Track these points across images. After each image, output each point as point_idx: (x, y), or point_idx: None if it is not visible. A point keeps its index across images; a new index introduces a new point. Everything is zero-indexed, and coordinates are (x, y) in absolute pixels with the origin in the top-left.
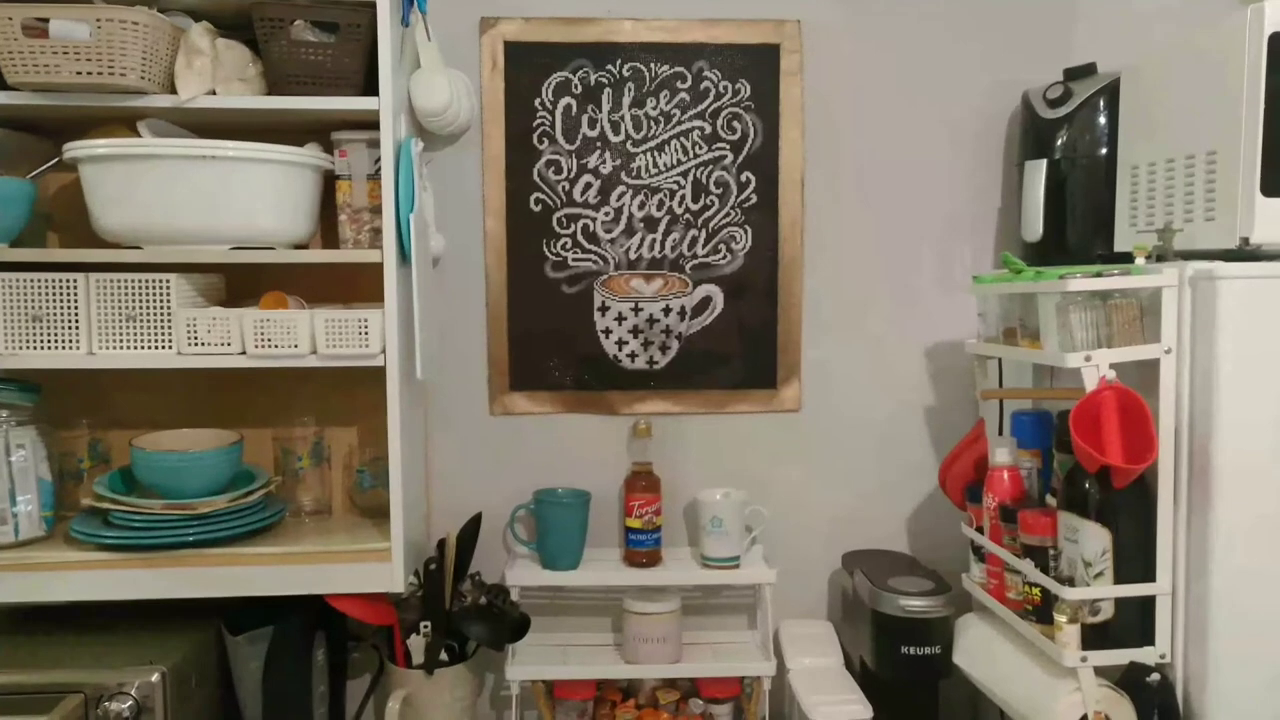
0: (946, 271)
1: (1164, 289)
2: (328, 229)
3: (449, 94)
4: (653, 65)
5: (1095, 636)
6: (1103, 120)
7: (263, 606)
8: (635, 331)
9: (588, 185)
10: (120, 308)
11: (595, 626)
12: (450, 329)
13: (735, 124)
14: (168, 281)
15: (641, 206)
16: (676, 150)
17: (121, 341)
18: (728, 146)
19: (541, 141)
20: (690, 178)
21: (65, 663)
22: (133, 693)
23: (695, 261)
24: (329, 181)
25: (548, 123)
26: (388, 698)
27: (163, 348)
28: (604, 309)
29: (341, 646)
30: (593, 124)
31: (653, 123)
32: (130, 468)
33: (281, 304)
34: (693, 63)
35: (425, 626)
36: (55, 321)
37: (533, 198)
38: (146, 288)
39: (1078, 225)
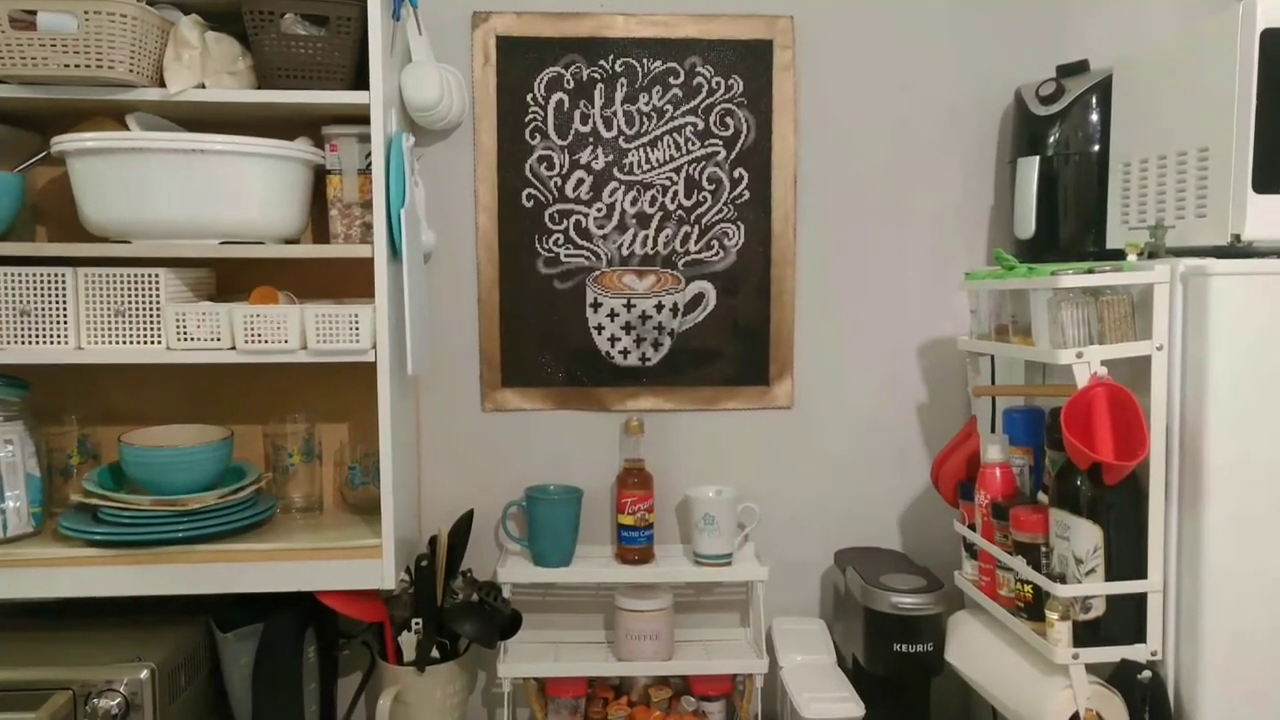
0: (939, 268)
1: (1156, 286)
2: (318, 224)
3: (440, 88)
4: (645, 61)
5: (1087, 634)
6: (1095, 117)
7: (253, 603)
8: (627, 328)
9: (580, 181)
10: (109, 302)
11: (587, 624)
12: (442, 325)
13: (728, 120)
14: (157, 276)
15: (634, 202)
16: (669, 146)
17: (110, 336)
18: (720, 142)
19: (534, 137)
20: (683, 174)
21: (53, 659)
22: (121, 690)
23: (688, 258)
24: (320, 176)
25: (540, 118)
26: (379, 695)
27: (152, 343)
28: (596, 305)
29: (332, 643)
30: (585, 119)
31: (645, 118)
32: (119, 464)
33: (272, 299)
34: (685, 58)
35: (417, 624)
36: (43, 316)
37: (525, 193)
38: (135, 282)
39: (1070, 222)
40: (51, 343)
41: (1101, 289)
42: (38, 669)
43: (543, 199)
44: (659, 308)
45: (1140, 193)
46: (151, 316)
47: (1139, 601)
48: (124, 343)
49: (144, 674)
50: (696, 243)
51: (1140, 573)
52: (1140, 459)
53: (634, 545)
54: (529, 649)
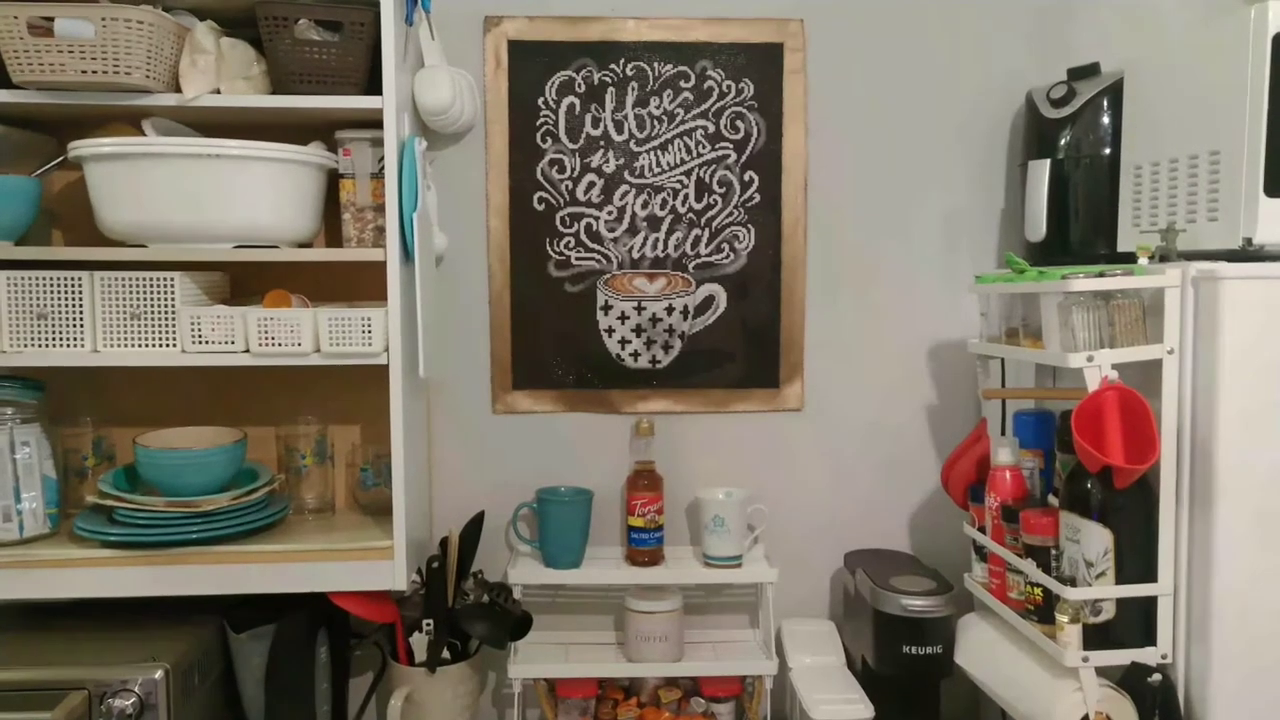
0: (949, 271)
1: (1167, 289)
2: (331, 227)
3: (452, 93)
4: (656, 64)
5: (1097, 636)
6: (1106, 120)
7: (266, 604)
8: (638, 330)
9: (591, 184)
10: (125, 306)
11: (597, 625)
12: (453, 328)
13: (738, 123)
14: (172, 280)
15: (645, 206)
16: (680, 149)
17: (126, 340)
18: (731, 146)
19: (545, 140)
20: (693, 177)
21: (69, 659)
22: (136, 689)
23: (698, 261)
24: (333, 180)
25: (551, 122)
26: (390, 695)
27: (167, 346)
28: (607, 308)
29: (344, 644)
30: (596, 123)
31: (656, 122)
32: (134, 465)
33: (285, 302)
34: (696, 62)
35: (428, 625)
36: (60, 319)
37: (536, 197)
38: (151, 286)
39: (1081, 225)
40: (68, 345)
41: (1112, 292)
42: (53, 669)
43: (554, 202)
44: (669, 310)
45: (1151, 196)
46: (167, 320)
47: (1149, 605)
48: (139, 346)
49: (158, 674)
50: (707, 245)
51: (1150, 576)
52: (1151, 463)
53: (644, 547)
54: (539, 650)
